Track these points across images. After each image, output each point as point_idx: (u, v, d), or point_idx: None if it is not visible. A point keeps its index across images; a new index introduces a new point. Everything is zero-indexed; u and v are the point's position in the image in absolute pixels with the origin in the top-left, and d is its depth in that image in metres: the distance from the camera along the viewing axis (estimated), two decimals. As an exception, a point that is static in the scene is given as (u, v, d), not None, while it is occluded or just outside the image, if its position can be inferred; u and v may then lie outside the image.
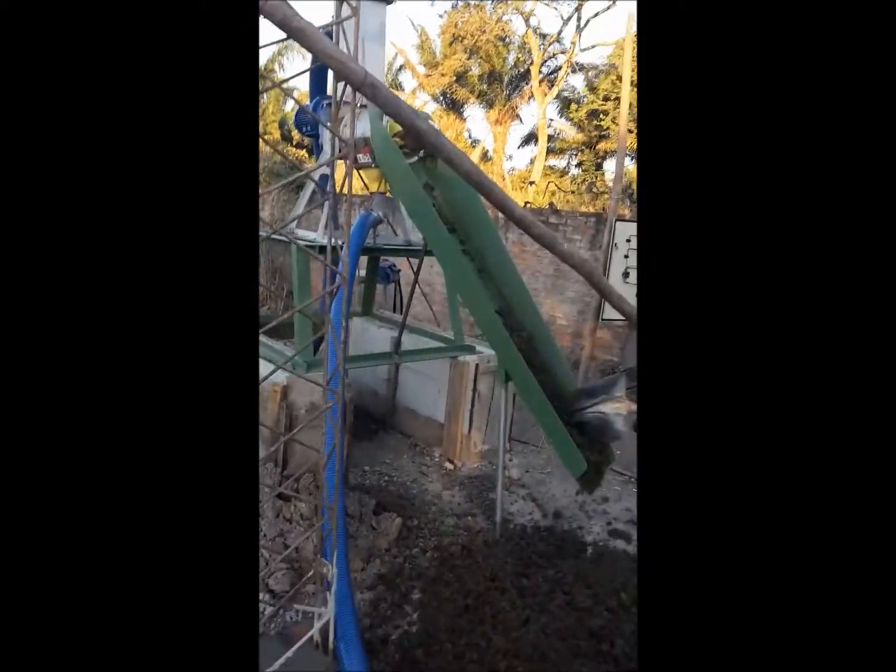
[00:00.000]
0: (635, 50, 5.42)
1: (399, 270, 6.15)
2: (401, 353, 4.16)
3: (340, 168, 3.64)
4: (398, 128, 3.67)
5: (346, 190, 2.03)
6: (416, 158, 3.78)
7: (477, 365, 4.25)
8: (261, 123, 15.41)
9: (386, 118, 3.69)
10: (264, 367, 3.55)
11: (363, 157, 3.94)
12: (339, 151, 3.61)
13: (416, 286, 4.13)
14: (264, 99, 15.47)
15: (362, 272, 5.44)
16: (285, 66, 15.52)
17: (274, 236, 4.20)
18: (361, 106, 4.05)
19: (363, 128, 3.87)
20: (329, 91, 4.12)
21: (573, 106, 15.87)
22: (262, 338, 4.10)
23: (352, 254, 3.39)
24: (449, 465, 4.34)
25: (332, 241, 2.16)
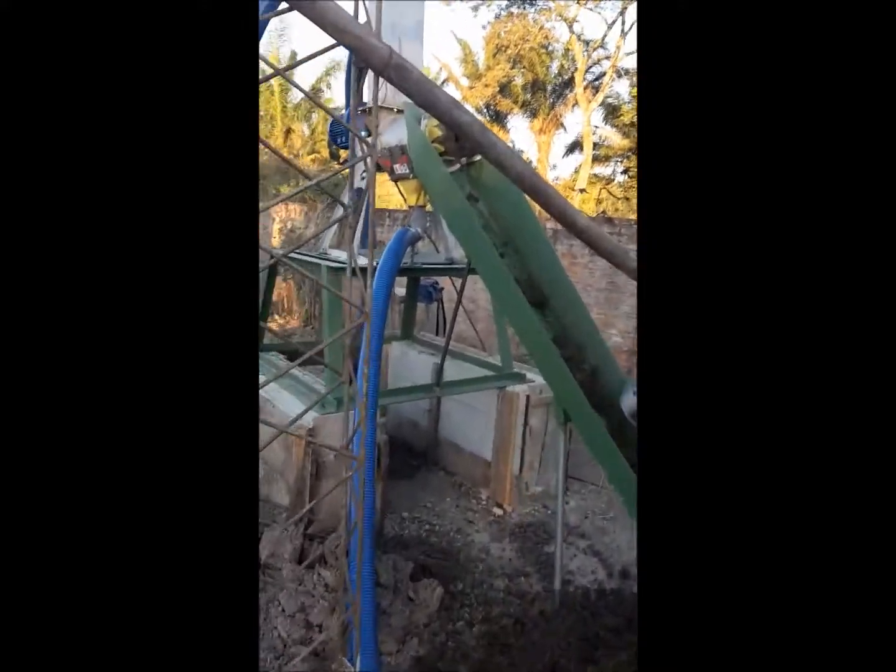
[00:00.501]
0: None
1: (442, 289, 5.75)
2: (442, 384, 3.72)
3: (381, 183, 3.28)
4: (438, 132, 3.27)
5: (373, 205, 1.61)
6: (457, 167, 3.38)
7: (528, 396, 3.76)
8: (309, 143, 15.43)
9: (425, 122, 3.30)
10: (292, 405, 3.19)
11: (401, 168, 3.55)
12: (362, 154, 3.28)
13: (460, 307, 3.69)
14: (313, 119, 15.39)
15: (402, 290, 5.07)
16: (333, 85, 15.34)
17: (298, 256, 3.86)
18: (398, 111, 3.68)
19: (400, 135, 3.49)
20: (364, 97, 3.76)
21: (624, 107, 15.34)
22: (295, 370, 3.75)
23: (384, 275, 2.99)
24: (498, 511, 3.85)
25: (355, 263, 1.76)
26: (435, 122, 3.31)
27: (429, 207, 3.80)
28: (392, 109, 3.67)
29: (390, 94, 3.66)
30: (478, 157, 3.34)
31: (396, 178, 3.67)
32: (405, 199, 3.90)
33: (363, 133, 3.91)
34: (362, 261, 2.32)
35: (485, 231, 2.87)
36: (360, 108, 3.71)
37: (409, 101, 1.32)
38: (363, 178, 3.70)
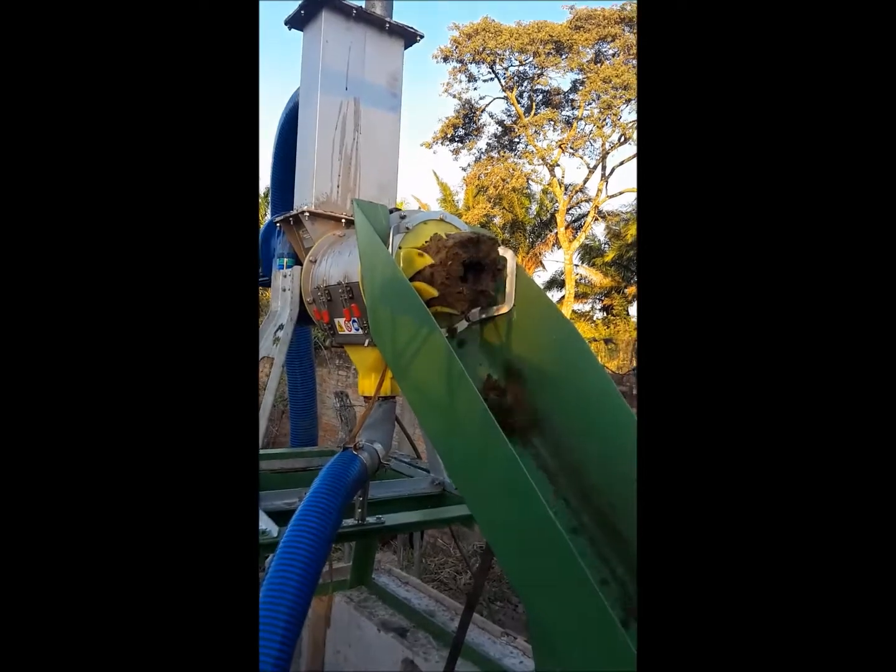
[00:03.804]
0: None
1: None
2: None
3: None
4: (427, 259, 1.55)
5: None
6: (464, 325, 1.65)
7: None
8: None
9: (399, 238, 1.59)
10: None
11: (347, 325, 1.80)
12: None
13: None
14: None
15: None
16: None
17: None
18: (348, 221, 2.02)
19: (345, 264, 1.79)
20: (299, 200, 2.09)
21: (603, 247, 15.37)
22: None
23: (297, 578, 1.12)
24: None
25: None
26: (424, 239, 1.62)
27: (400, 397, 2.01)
28: (339, 219, 2.01)
29: (338, 196, 2.03)
30: (506, 308, 1.64)
31: (340, 343, 1.92)
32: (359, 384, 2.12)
33: (283, 258, 2.22)
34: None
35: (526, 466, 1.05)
36: (285, 216, 2.02)
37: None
38: (276, 340, 1.91)
